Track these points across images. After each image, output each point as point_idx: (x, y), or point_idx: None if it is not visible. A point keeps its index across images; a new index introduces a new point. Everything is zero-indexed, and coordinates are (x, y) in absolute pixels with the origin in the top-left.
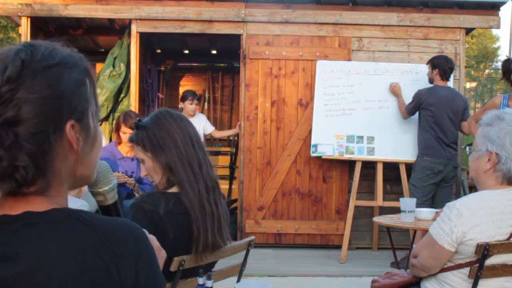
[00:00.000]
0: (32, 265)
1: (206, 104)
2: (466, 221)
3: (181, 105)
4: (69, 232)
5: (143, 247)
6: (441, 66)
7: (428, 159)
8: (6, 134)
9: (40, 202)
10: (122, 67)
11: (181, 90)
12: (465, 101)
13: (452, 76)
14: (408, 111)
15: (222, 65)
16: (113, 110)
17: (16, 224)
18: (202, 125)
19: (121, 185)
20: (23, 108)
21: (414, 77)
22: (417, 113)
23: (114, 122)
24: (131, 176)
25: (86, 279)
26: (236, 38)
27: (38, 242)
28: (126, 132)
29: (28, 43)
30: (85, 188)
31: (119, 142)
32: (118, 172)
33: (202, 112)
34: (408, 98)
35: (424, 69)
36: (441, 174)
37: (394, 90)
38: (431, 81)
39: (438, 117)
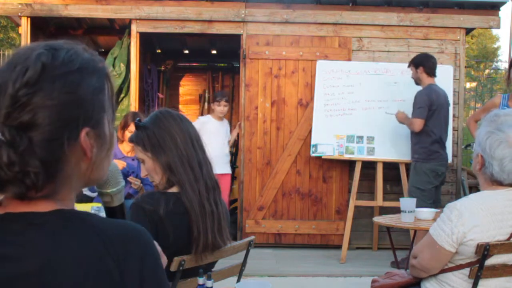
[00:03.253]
0: (35, 266)
1: (206, 104)
2: (467, 222)
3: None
4: (74, 234)
5: (148, 252)
6: (424, 62)
7: (433, 162)
8: (20, 139)
9: (45, 203)
10: (122, 67)
11: (181, 90)
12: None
13: (452, 76)
14: (422, 115)
15: (222, 65)
16: None
17: (20, 223)
18: (227, 130)
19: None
20: (39, 114)
21: None
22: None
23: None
24: (136, 176)
25: (89, 283)
26: (236, 38)
27: (43, 244)
28: (132, 131)
29: (50, 45)
30: None
31: (122, 140)
32: (131, 175)
33: (202, 112)
34: (409, 99)
35: None
36: (443, 175)
37: (402, 118)
38: (418, 82)
39: (441, 118)
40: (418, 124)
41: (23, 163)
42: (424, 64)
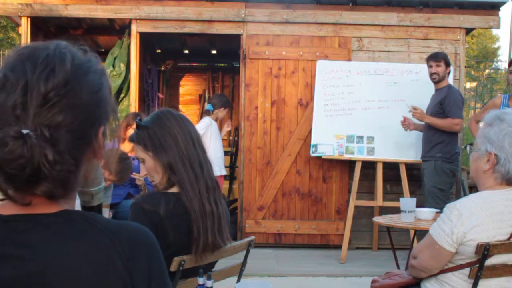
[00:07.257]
0: (43, 266)
1: (206, 104)
2: (467, 222)
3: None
4: (82, 234)
5: (155, 252)
6: (450, 63)
7: (454, 162)
8: (59, 138)
9: (50, 204)
10: (122, 67)
11: (181, 90)
12: None
13: (452, 76)
14: (462, 115)
15: (222, 65)
16: None
17: (26, 224)
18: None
19: (121, 184)
20: (70, 113)
21: (414, 77)
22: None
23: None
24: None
25: (99, 283)
26: (236, 38)
27: (51, 244)
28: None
29: (60, 44)
30: None
31: (124, 139)
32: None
33: (202, 112)
34: (410, 100)
35: (424, 69)
36: (456, 176)
37: (422, 116)
38: (440, 79)
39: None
40: (462, 124)
41: (64, 162)
42: (450, 64)
